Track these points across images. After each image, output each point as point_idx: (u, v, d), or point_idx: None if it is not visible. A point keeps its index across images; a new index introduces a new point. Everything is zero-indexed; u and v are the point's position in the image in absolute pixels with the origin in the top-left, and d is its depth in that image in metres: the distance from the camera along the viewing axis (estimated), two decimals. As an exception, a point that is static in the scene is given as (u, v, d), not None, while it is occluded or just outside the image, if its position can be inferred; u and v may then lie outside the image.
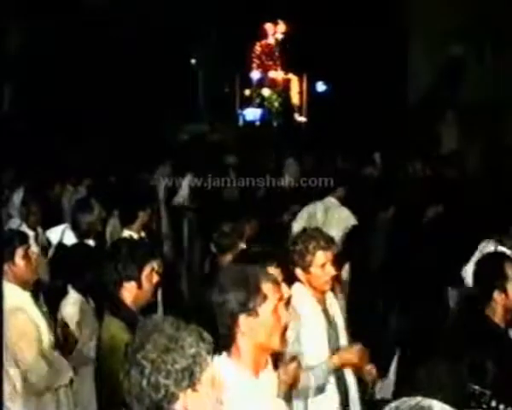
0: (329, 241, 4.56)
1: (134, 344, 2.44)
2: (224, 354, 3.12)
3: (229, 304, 3.07)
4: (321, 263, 4.44)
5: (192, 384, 2.39)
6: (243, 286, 3.09)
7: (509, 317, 4.47)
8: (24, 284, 4.75)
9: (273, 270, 3.82)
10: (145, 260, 4.39)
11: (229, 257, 5.75)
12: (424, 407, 1.92)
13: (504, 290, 4.42)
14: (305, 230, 4.89)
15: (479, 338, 4.33)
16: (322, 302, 4.58)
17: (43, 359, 4.61)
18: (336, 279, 4.74)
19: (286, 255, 4.42)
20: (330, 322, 4.58)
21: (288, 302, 3.83)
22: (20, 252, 4.71)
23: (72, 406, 5.01)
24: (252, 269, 3.27)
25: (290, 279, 4.35)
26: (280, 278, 3.81)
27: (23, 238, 4.90)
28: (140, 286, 4.31)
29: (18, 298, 4.61)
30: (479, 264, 4.75)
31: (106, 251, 6.99)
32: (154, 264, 4.47)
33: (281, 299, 3.22)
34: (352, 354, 4.40)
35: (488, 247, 6.53)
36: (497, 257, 4.83)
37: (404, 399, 1.98)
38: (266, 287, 3.14)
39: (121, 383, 2.43)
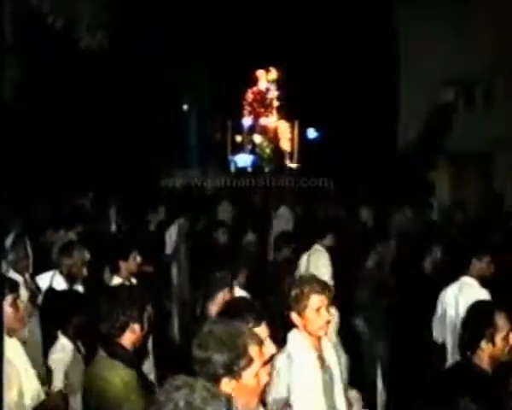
0: (324, 286, 4.56)
1: (155, 402, 2.34)
2: None
3: (213, 365, 2.97)
4: (316, 307, 4.43)
5: None
6: (229, 348, 3.00)
7: (495, 365, 4.44)
8: (11, 332, 4.68)
9: (259, 329, 3.78)
10: (145, 303, 4.54)
11: (218, 304, 5.71)
12: None
13: (492, 340, 4.41)
14: (300, 277, 4.91)
15: (465, 384, 4.32)
16: (318, 349, 4.57)
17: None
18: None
19: (270, 307, 4.40)
20: (325, 369, 4.54)
21: (269, 360, 3.78)
22: (8, 300, 4.66)
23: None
24: (238, 329, 3.15)
25: (282, 328, 4.34)
26: (265, 334, 3.80)
27: (13, 286, 4.84)
28: (142, 328, 4.44)
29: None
30: (468, 311, 4.72)
31: (98, 297, 7.14)
32: (149, 307, 4.59)
33: (265, 363, 3.17)
34: None
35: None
36: (487, 306, 4.79)
37: None
38: (253, 350, 3.07)
39: None
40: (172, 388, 2.36)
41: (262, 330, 3.78)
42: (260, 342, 3.20)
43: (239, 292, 5.95)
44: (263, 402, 3.42)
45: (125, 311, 4.37)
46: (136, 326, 4.40)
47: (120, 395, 4.13)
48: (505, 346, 4.43)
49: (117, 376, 4.19)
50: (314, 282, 4.55)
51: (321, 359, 4.54)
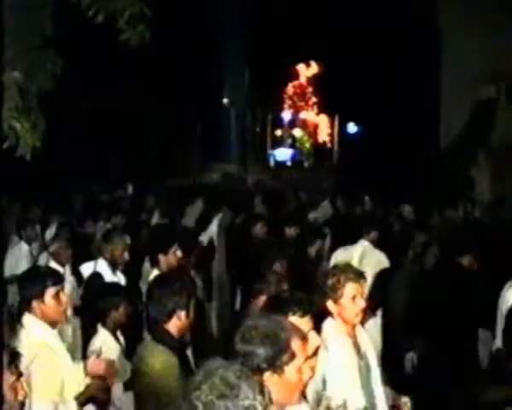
0: (360, 274, 4.58)
1: (193, 382, 2.39)
2: None
3: (256, 358, 2.98)
4: (351, 295, 4.45)
5: None
6: (273, 342, 3.00)
7: None
8: (53, 324, 4.73)
9: (303, 320, 3.80)
10: (192, 292, 4.66)
11: (262, 299, 5.70)
12: None
13: None
14: (335, 265, 4.95)
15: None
16: (353, 336, 4.56)
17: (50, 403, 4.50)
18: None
19: (314, 301, 4.39)
20: (361, 355, 4.55)
21: (315, 353, 3.79)
22: (51, 291, 4.69)
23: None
24: (282, 324, 3.14)
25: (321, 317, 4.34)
26: (309, 326, 3.81)
27: (57, 279, 4.88)
28: (188, 316, 4.50)
29: (43, 334, 4.59)
30: (508, 316, 4.66)
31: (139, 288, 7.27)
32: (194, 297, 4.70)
33: (307, 358, 3.17)
34: None
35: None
36: None
37: None
38: (295, 345, 3.07)
39: None
40: (210, 368, 2.42)
41: (306, 322, 3.79)
42: (303, 337, 3.20)
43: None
44: (304, 396, 3.42)
45: (173, 297, 4.45)
46: (183, 314, 4.45)
47: (159, 380, 4.18)
48: None
49: (158, 361, 4.26)
50: (350, 270, 4.58)
51: (356, 346, 4.55)
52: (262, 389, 2.38)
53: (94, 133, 18.48)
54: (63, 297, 4.78)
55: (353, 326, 4.57)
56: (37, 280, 4.69)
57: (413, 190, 15.96)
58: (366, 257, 8.60)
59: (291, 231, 10.25)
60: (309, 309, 3.89)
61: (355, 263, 8.15)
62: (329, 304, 4.50)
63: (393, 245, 9.03)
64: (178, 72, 19.91)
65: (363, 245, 8.80)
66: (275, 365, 2.99)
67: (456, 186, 16.90)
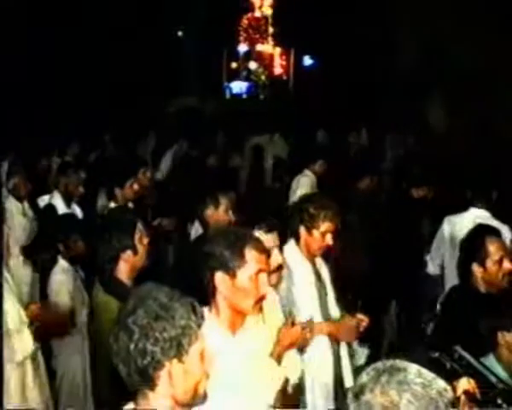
0: (337, 214, 4.79)
1: (126, 308, 2.48)
2: (205, 309, 3.09)
3: (212, 259, 3.23)
4: (324, 230, 4.67)
5: (179, 355, 2.43)
6: (228, 246, 3.23)
7: (492, 290, 4.53)
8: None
9: (268, 236, 3.98)
10: (133, 225, 4.37)
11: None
12: (400, 368, 1.97)
13: (483, 264, 4.56)
14: (318, 194, 5.44)
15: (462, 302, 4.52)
16: (313, 263, 4.80)
17: None
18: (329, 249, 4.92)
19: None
20: (321, 281, 4.79)
21: (279, 268, 4.04)
22: None
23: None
24: (242, 232, 3.40)
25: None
26: (273, 244, 4.00)
27: None
28: (136, 252, 4.28)
29: None
30: (466, 235, 4.90)
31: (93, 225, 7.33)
32: (140, 225, 4.43)
33: (263, 270, 3.33)
34: (344, 327, 4.64)
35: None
36: (481, 231, 4.87)
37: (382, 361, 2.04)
38: (250, 253, 3.26)
39: (110, 344, 2.46)
40: (142, 292, 2.54)
41: (271, 239, 4.01)
42: (261, 249, 3.36)
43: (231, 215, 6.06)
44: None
45: (115, 241, 4.23)
46: (129, 252, 4.26)
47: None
48: (497, 271, 4.56)
49: (109, 317, 3.63)
50: (331, 208, 4.77)
51: (316, 273, 4.80)
52: (195, 309, 2.51)
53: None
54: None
55: (314, 256, 4.82)
56: None
57: (368, 121, 16.13)
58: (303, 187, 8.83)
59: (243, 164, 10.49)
60: (275, 226, 4.13)
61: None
62: (301, 230, 4.71)
63: (345, 175, 9.25)
64: (134, 5, 19.64)
65: (307, 175, 9.07)
66: (226, 266, 3.23)
67: (409, 118, 17.07)
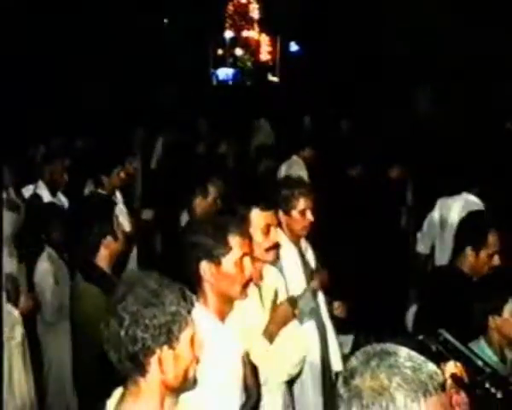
0: (311, 189, 4.83)
1: (116, 295, 2.48)
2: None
3: (196, 249, 3.26)
4: (302, 208, 4.69)
5: (169, 341, 2.44)
6: (211, 234, 3.26)
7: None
8: None
9: (265, 213, 4.00)
10: (110, 211, 4.44)
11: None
12: (390, 352, 1.96)
13: (477, 251, 4.62)
14: (288, 177, 5.29)
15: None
16: (298, 246, 4.82)
17: None
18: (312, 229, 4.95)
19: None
20: (305, 263, 4.83)
21: (276, 246, 4.06)
22: None
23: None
24: (223, 220, 3.44)
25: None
26: (270, 221, 4.01)
27: None
28: (116, 238, 4.32)
29: None
30: (468, 215, 5.00)
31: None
32: (116, 210, 4.52)
33: (246, 254, 3.36)
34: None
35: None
36: (486, 220, 4.94)
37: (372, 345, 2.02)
38: (233, 239, 3.29)
39: (101, 331, 2.46)
40: (131, 279, 2.56)
41: (269, 216, 4.03)
42: (244, 234, 3.41)
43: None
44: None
45: (97, 228, 4.28)
46: (109, 239, 4.30)
47: (93, 324, 3.75)
48: (487, 262, 4.61)
49: (91, 305, 3.98)
50: (303, 185, 4.82)
51: (301, 254, 4.83)
52: (184, 295, 2.52)
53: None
54: None
55: (298, 238, 4.84)
56: None
57: (352, 108, 16.13)
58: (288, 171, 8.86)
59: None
60: (272, 204, 4.16)
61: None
62: (280, 215, 4.70)
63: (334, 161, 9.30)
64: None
65: (296, 161, 9.11)
66: (211, 254, 3.26)
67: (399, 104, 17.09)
